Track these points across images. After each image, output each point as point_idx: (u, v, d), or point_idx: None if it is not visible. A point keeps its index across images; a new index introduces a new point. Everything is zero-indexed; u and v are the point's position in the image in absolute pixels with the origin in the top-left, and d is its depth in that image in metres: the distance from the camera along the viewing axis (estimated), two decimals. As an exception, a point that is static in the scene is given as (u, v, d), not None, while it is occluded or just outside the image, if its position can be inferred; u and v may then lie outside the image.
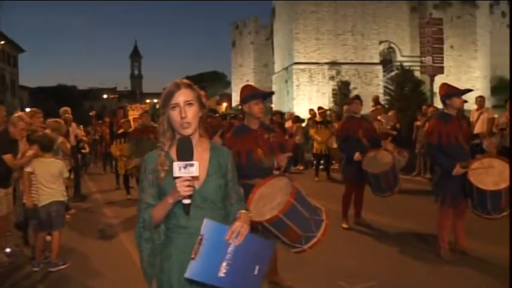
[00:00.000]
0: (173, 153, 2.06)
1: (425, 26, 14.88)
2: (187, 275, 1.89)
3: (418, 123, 11.66)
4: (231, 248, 1.94)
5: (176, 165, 1.89)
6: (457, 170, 4.84)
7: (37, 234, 5.46)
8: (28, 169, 5.33)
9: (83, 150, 13.10)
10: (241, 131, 4.20)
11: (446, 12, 39.06)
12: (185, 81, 2.12)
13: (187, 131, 2.03)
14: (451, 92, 5.16)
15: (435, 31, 14.72)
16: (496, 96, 38.41)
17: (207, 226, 1.93)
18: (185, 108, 2.03)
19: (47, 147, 5.39)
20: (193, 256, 1.89)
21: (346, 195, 6.86)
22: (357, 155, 6.43)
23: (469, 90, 5.52)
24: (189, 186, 1.89)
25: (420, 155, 11.35)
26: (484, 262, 4.99)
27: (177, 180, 1.89)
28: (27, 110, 14.20)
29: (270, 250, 2.13)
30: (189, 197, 1.93)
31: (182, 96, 2.04)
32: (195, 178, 1.93)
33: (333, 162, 13.00)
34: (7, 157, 5.44)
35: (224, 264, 1.92)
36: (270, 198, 3.63)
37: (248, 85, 4.50)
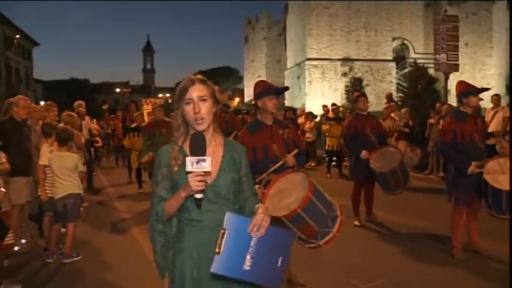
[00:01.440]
0: (187, 147, 2.08)
1: (440, 23, 14.71)
2: (213, 269, 1.89)
3: (431, 120, 11.58)
4: (254, 241, 1.95)
5: (189, 160, 1.90)
6: (472, 168, 4.79)
7: (52, 226, 5.52)
8: (42, 162, 5.39)
9: (95, 144, 13.21)
10: (256, 126, 4.19)
11: (461, 9, 38.63)
12: (199, 76, 2.14)
13: (201, 127, 2.06)
14: (467, 90, 5.10)
15: (450, 28, 14.54)
16: None
17: (229, 219, 1.93)
18: (199, 104, 2.05)
19: (64, 140, 5.43)
20: (217, 251, 1.89)
21: (355, 194, 6.84)
22: (363, 153, 6.38)
23: (487, 89, 5.45)
24: (201, 181, 1.91)
25: (433, 153, 11.27)
26: (497, 261, 4.96)
27: (189, 175, 1.91)
28: (42, 103, 14.32)
29: (291, 241, 2.14)
30: (201, 191, 1.94)
31: (196, 92, 2.06)
32: (207, 173, 1.94)
33: (345, 159, 12.95)
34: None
35: (248, 257, 1.93)
36: (287, 193, 3.62)
37: (262, 80, 4.48)
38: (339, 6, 39.38)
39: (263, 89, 4.15)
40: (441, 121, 10.41)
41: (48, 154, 5.44)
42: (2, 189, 2.91)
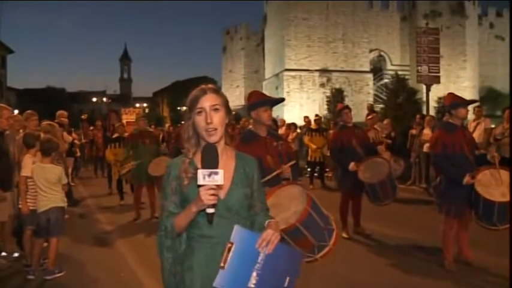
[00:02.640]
0: (197, 160, 2.01)
1: (421, 35, 14.95)
2: (215, 284, 1.82)
3: (413, 131, 11.68)
4: (261, 257, 1.86)
5: (200, 173, 1.82)
6: (467, 179, 4.80)
7: (34, 241, 5.31)
8: (25, 173, 5.20)
9: (75, 155, 12.94)
10: (250, 138, 4.12)
11: (436, 23, 39.42)
12: (211, 86, 2.06)
13: (213, 138, 1.97)
14: (456, 102, 5.14)
15: (431, 40, 14.80)
16: (485, 106, 38.70)
17: (237, 233, 1.85)
18: (211, 114, 1.97)
19: (48, 151, 5.25)
20: (222, 265, 1.82)
21: (343, 205, 6.79)
22: (352, 165, 6.37)
23: (475, 101, 5.51)
24: (213, 195, 1.83)
25: (415, 164, 11.37)
26: (488, 273, 4.97)
27: (201, 189, 1.83)
28: (16, 112, 13.98)
29: (301, 260, 2.06)
30: (213, 206, 1.86)
31: (208, 101, 1.98)
32: (219, 187, 1.86)
33: (327, 170, 12.97)
34: None
35: (254, 274, 1.85)
36: (284, 206, 3.54)
37: (256, 91, 4.43)
38: (317, 18, 39.74)
39: (258, 100, 4.09)
40: (425, 132, 10.56)
41: (30, 165, 5.26)
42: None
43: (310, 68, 39.80)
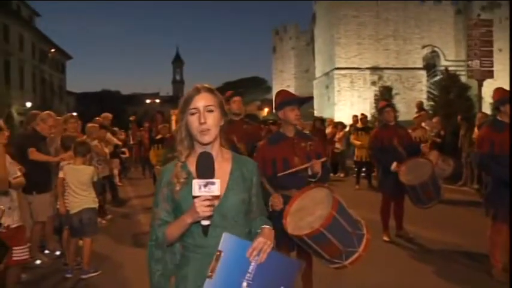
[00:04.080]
0: (191, 164, 1.91)
1: (473, 28, 14.16)
2: None
3: (462, 132, 11.12)
4: (252, 267, 1.77)
5: (196, 183, 1.71)
6: None
7: (69, 240, 5.42)
8: (61, 175, 5.31)
9: (122, 155, 13.25)
10: (277, 138, 3.99)
11: (494, 14, 37.60)
12: (206, 85, 1.96)
13: (206, 138, 1.88)
14: (505, 98, 4.77)
15: (484, 33, 13.97)
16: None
17: (226, 241, 1.76)
18: (205, 114, 1.88)
19: (81, 153, 5.34)
20: (210, 274, 1.73)
21: (384, 207, 6.52)
22: (394, 166, 6.10)
23: None
24: (209, 206, 1.72)
25: (467, 163, 10.82)
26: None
27: (196, 200, 1.72)
28: (74, 114, 14.51)
29: (297, 270, 1.95)
30: (209, 217, 1.75)
31: (202, 101, 1.89)
32: (216, 197, 1.76)
33: (375, 169, 12.61)
34: (31, 150, 5.50)
35: (244, 284, 1.76)
36: (309, 210, 3.40)
37: (283, 90, 4.27)
38: (367, 15, 38.89)
39: (284, 100, 3.94)
40: (476, 130, 10.03)
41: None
42: (1, 206, 2.79)
43: (360, 66, 39.03)
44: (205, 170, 1.75)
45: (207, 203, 1.71)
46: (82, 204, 5.22)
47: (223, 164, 1.97)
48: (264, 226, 1.97)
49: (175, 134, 2.02)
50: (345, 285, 4.68)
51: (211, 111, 1.89)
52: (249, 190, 2.00)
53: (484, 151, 4.72)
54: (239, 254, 1.77)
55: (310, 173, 3.79)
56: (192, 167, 1.88)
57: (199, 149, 1.93)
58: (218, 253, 1.75)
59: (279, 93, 4.11)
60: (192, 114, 1.89)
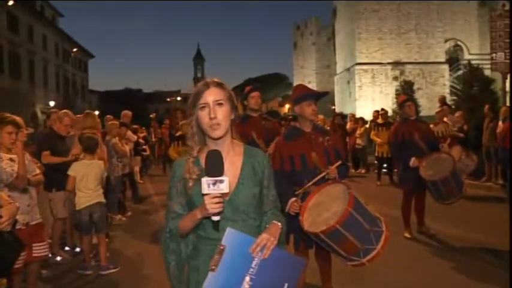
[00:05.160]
0: (202, 159, 1.92)
1: (497, 19, 13.76)
2: (205, 287, 1.78)
3: (485, 124, 10.86)
4: (255, 262, 1.80)
5: (205, 181, 1.75)
6: None
7: (82, 238, 5.49)
8: (72, 173, 5.32)
9: (143, 153, 13.37)
10: (294, 134, 3.93)
11: (519, 5, 36.79)
12: (215, 79, 1.97)
13: (217, 133, 1.90)
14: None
15: (508, 24, 13.58)
16: None
17: (229, 236, 1.80)
18: (215, 109, 1.89)
19: (90, 149, 5.38)
20: (213, 267, 1.77)
21: (405, 203, 6.40)
22: (413, 161, 5.99)
23: None
24: (218, 203, 1.76)
25: (488, 158, 10.57)
26: None
27: (205, 197, 1.77)
28: (96, 112, 14.66)
29: (301, 268, 1.96)
30: (219, 213, 1.80)
31: (212, 96, 1.90)
32: (225, 195, 1.80)
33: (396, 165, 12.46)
34: (44, 154, 5.55)
35: (247, 279, 1.78)
36: (326, 206, 3.34)
37: (300, 85, 4.22)
38: (388, 9, 38.40)
39: (301, 94, 3.89)
40: (500, 124, 9.79)
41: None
42: (16, 203, 2.82)
43: (382, 61, 38.59)
44: (214, 168, 1.78)
45: (216, 200, 1.75)
46: (92, 199, 5.26)
47: (235, 158, 1.99)
48: (272, 222, 1.97)
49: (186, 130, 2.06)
50: (364, 283, 4.62)
51: (220, 104, 1.90)
52: (261, 183, 2.02)
53: (507, 146, 4.59)
54: (242, 249, 1.79)
55: (327, 177, 3.72)
56: (203, 162, 1.88)
57: (210, 144, 1.96)
58: (221, 247, 1.78)
59: (296, 88, 4.07)
60: (202, 109, 1.90)
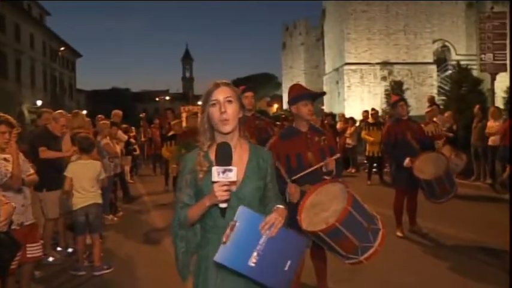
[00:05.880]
0: (212, 154, 2.07)
1: (485, 21, 13.95)
2: (216, 258, 1.89)
3: (474, 124, 10.99)
4: (263, 239, 1.92)
5: (215, 170, 1.89)
6: None
7: (76, 238, 5.45)
8: (68, 174, 5.28)
9: (134, 152, 13.29)
10: (290, 133, 3.95)
11: (506, 7, 37.17)
12: (224, 80, 2.13)
13: (227, 128, 2.04)
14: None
15: (497, 26, 13.74)
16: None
17: (241, 213, 1.92)
18: (225, 105, 2.04)
19: (86, 149, 5.35)
20: (224, 240, 1.88)
21: (397, 203, 6.45)
22: (406, 161, 6.02)
23: None
24: (226, 191, 1.90)
25: (476, 158, 10.71)
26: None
27: (215, 185, 1.90)
28: (84, 112, 14.55)
29: (304, 246, 2.11)
30: (226, 201, 1.93)
31: (222, 94, 2.06)
32: (233, 183, 1.95)
33: (386, 165, 12.54)
34: (42, 149, 5.52)
35: (255, 254, 1.91)
36: (324, 205, 3.36)
37: (297, 84, 4.22)
38: (377, 10, 38.64)
39: (297, 94, 3.90)
40: (489, 124, 9.91)
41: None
42: (12, 203, 2.80)
43: (370, 61, 38.82)
44: (224, 158, 1.93)
45: (225, 188, 1.89)
46: (88, 200, 5.22)
47: (242, 153, 2.14)
48: (278, 206, 2.10)
49: (199, 126, 2.18)
50: (359, 281, 4.65)
51: (230, 101, 2.05)
52: (264, 178, 2.18)
53: (507, 144, 4.65)
54: (252, 226, 1.92)
55: (324, 170, 3.75)
56: (213, 157, 2.02)
57: (220, 139, 2.08)
58: (233, 223, 1.90)
59: (292, 87, 4.07)
60: (213, 105, 2.05)
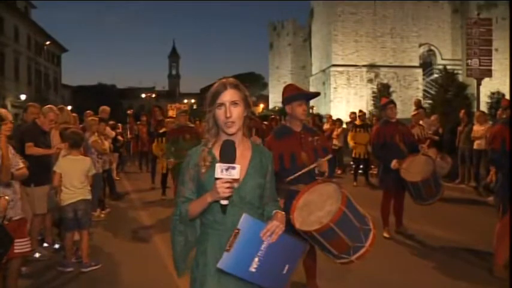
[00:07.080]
0: (216, 150, 2.12)
1: (472, 27, 14.20)
2: (219, 265, 1.95)
3: (460, 128, 11.16)
4: (264, 245, 1.98)
5: (218, 166, 1.93)
6: None
7: (64, 234, 5.40)
8: (57, 170, 5.24)
9: (120, 149, 13.18)
10: (284, 133, 3.97)
11: (490, 14, 37.68)
12: (232, 81, 2.16)
13: (231, 130, 2.09)
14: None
15: (483, 32, 14.00)
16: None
17: (244, 221, 1.97)
18: (230, 109, 2.08)
19: (76, 144, 5.32)
20: (228, 248, 1.95)
21: (385, 204, 6.51)
22: (394, 163, 6.08)
23: None
24: (229, 188, 1.93)
25: (462, 161, 10.87)
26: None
27: (217, 182, 1.93)
28: (69, 107, 14.40)
29: (302, 251, 2.15)
30: (227, 198, 1.96)
31: (228, 96, 2.09)
32: (235, 180, 1.96)
33: (372, 166, 12.64)
34: (28, 145, 5.47)
35: (256, 259, 1.97)
36: (317, 205, 3.38)
37: (291, 84, 4.23)
38: (365, 13, 38.98)
39: (292, 94, 3.93)
40: (475, 128, 10.07)
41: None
42: (6, 197, 2.77)
43: (357, 64, 39.15)
44: (228, 155, 1.96)
45: (227, 184, 1.92)
46: (77, 196, 5.18)
47: (245, 152, 2.18)
48: (277, 211, 2.17)
49: (205, 124, 2.23)
50: (349, 280, 4.69)
51: (236, 104, 2.09)
52: (265, 176, 2.22)
53: (496, 147, 4.73)
54: (254, 233, 1.98)
55: (317, 172, 3.78)
56: (217, 153, 2.09)
57: (224, 137, 2.12)
58: (237, 231, 1.96)
59: (287, 87, 4.08)
60: (219, 108, 2.09)
